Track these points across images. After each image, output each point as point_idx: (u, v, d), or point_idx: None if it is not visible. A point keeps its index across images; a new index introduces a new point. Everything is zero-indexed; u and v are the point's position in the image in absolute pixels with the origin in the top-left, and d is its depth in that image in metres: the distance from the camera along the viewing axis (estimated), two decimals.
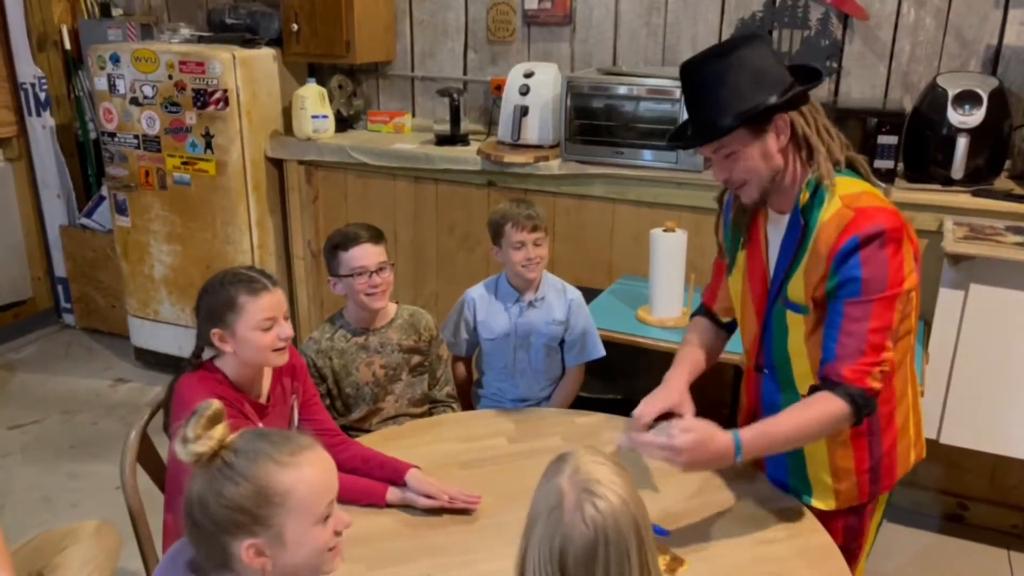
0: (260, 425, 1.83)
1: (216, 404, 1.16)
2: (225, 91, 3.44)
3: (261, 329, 1.75)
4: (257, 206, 3.63)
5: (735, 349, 1.96)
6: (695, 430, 1.49)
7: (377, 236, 2.20)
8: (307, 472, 1.17)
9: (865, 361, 1.52)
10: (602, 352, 2.38)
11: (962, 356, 2.48)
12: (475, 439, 2.04)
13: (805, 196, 1.60)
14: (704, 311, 1.97)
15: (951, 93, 2.65)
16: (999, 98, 2.65)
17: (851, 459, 1.71)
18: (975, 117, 2.62)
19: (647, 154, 3.00)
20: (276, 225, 3.74)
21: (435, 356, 2.36)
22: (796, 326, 1.66)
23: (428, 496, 1.75)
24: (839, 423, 1.55)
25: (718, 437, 1.50)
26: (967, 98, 2.64)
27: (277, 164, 3.67)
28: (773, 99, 1.54)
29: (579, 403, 2.39)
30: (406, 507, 1.77)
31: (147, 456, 1.94)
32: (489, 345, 2.38)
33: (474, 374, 2.53)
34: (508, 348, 2.36)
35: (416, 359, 2.30)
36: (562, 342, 2.37)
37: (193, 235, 3.70)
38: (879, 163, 2.71)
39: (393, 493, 1.78)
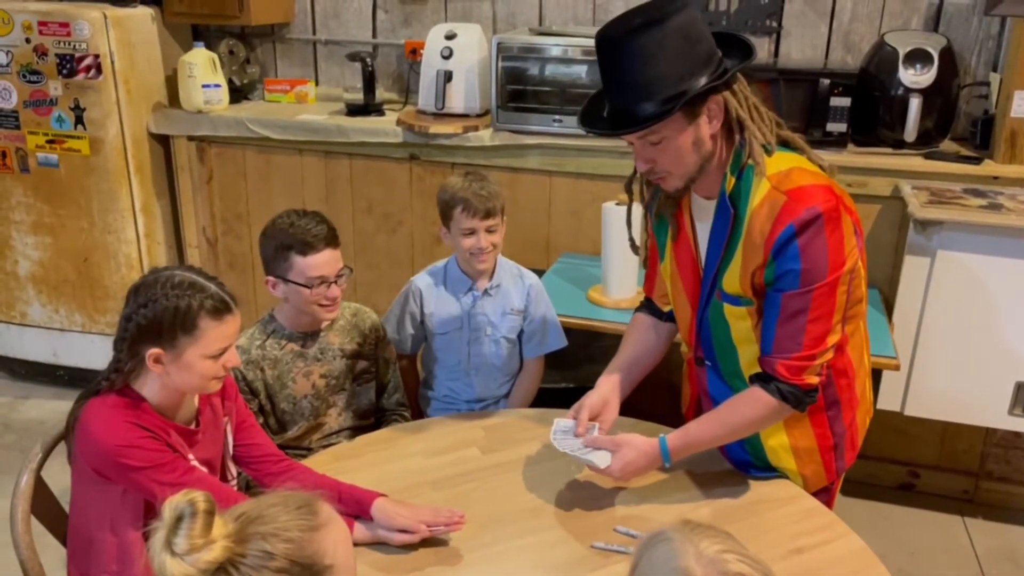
0: (191, 456, 1.52)
1: (201, 497, 0.89)
2: (96, 57, 2.97)
3: (212, 357, 1.42)
4: (141, 189, 3.19)
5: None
6: (619, 450, 1.53)
7: (335, 237, 1.87)
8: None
9: (802, 356, 1.46)
10: (564, 342, 2.15)
11: (928, 325, 2.39)
12: (442, 452, 1.77)
13: (731, 181, 1.47)
14: (646, 304, 1.86)
15: (902, 52, 2.55)
16: (948, 56, 2.57)
17: (811, 437, 1.62)
18: (927, 76, 2.53)
19: None
20: (165, 210, 3.30)
21: (382, 360, 2.06)
22: (739, 319, 1.55)
23: (402, 531, 1.48)
24: (771, 418, 1.53)
25: (643, 450, 1.53)
26: (918, 57, 2.55)
27: (163, 141, 3.23)
28: (705, 79, 1.37)
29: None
30: (378, 544, 1.49)
31: (42, 505, 1.58)
32: (439, 340, 2.11)
33: (420, 374, 2.24)
34: (461, 343, 2.09)
35: (361, 365, 1.99)
36: (520, 333, 2.13)
37: (65, 225, 3.22)
38: (832, 126, 2.59)
39: (360, 531, 1.49)
